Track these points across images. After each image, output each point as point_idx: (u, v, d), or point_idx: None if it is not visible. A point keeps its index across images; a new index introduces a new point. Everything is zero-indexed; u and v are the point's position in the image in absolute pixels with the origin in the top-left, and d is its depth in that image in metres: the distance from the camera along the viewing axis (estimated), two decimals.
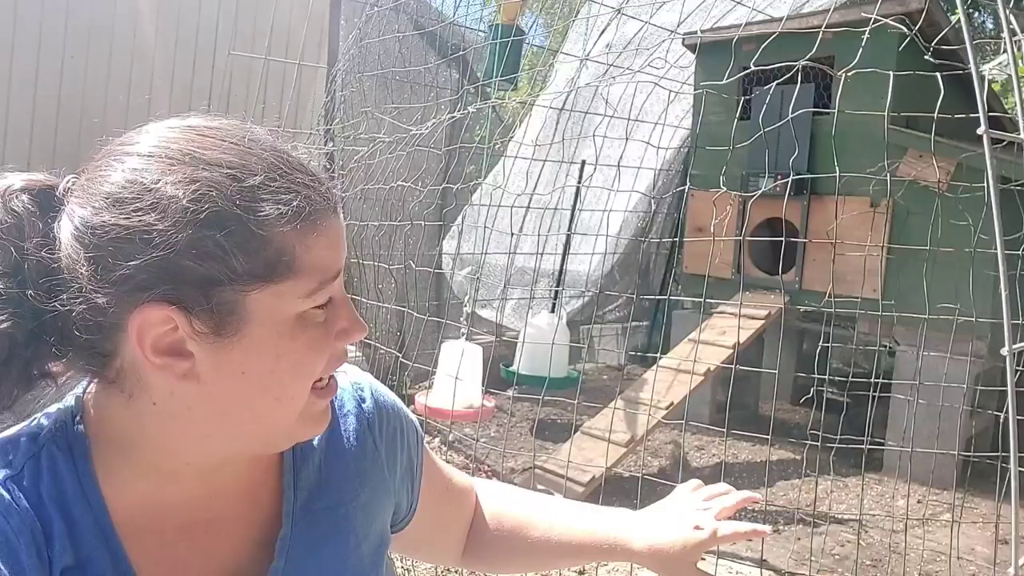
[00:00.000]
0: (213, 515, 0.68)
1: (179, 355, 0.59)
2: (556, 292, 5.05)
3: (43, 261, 0.59)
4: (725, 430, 2.93)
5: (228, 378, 0.61)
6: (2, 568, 0.57)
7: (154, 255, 0.57)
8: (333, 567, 0.73)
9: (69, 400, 0.67)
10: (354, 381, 0.81)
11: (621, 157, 3.78)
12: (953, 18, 4.13)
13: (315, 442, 0.75)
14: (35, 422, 0.65)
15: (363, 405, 0.80)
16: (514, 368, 4.39)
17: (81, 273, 0.58)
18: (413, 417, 0.87)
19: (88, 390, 0.66)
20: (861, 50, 2.52)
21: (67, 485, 0.62)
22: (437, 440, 4.24)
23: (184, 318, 0.58)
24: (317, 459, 0.75)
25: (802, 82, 3.79)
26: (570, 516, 0.96)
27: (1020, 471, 1.12)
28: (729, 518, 0.92)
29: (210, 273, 0.58)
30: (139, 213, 0.57)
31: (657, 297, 6.13)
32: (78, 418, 0.65)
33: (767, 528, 0.92)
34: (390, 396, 0.84)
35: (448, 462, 1.00)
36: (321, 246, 0.62)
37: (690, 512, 0.93)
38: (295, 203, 0.61)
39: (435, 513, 0.90)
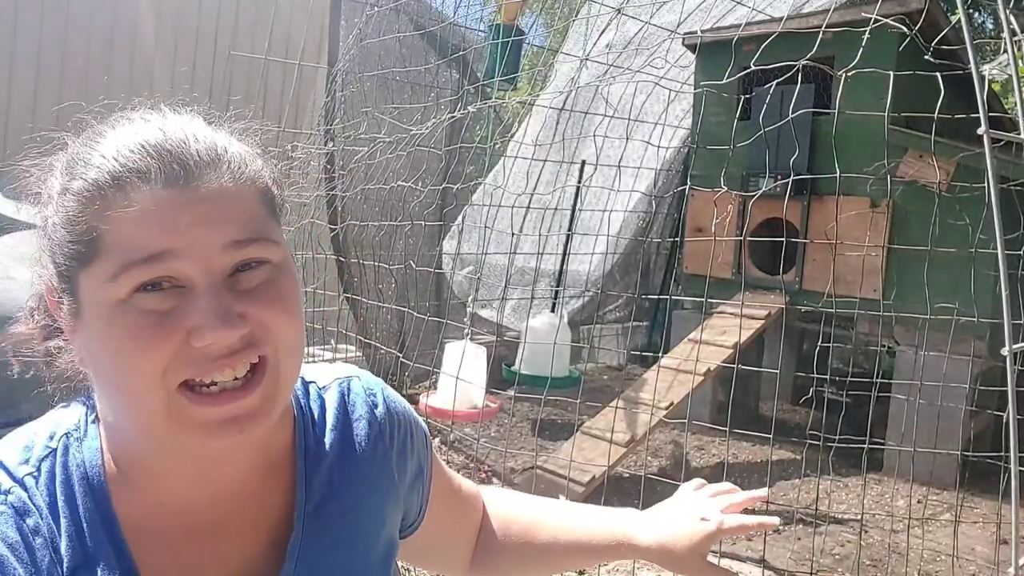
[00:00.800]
0: (221, 517, 0.67)
1: (73, 333, 0.62)
2: (556, 292, 5.05)
3: None
4: (726, 430, 2.94)
5: (88, 360, 0.61)
6: (19, 569, 0.57)
7: (41, 240, 0.62)
8: (343, 572, 0.72)
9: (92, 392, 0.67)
10: (367, 386, 0.80)
11: (621, 157, 3.79)
12: (953, 18, 4.13)
13: (327, 445, 0.74)
14: (53, 418, 0.66)
15: (375, 411, 0.78)
16: (515, 368, 4.39)
17: None
18: (423, 423, 0.87)
19: None
20: (861, 50, 2.52)
21: (77, 484, 0.62)
22: (438, 440, 4.24)
23: (58, 300, 0.61)
24: (328, 463, 0.73)
25: (802, 82, 3.78)
26: (576, 517, 0.96)
27: (1020, 471, 1.12)
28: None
29: (54, 255, 0.60)
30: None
31: (657, 297, 6.12)
32: (93, 416, 0.65)
33: (775, 520, 0.92)
34: (402, 402, 0.83)
35: (449, 462, 1.01)
36: (126, 222, 0.56)
37: (696, 506, 0.93)
38: (94, 176, 0.57)
39: (444, 520, 0.90)
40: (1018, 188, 3.03)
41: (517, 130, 5.87)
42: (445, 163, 4.50)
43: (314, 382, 0.77)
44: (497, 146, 5.15)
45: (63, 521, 0.60)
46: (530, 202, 4.15)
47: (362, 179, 4.11)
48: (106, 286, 0.56)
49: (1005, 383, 1.16)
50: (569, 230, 4.97)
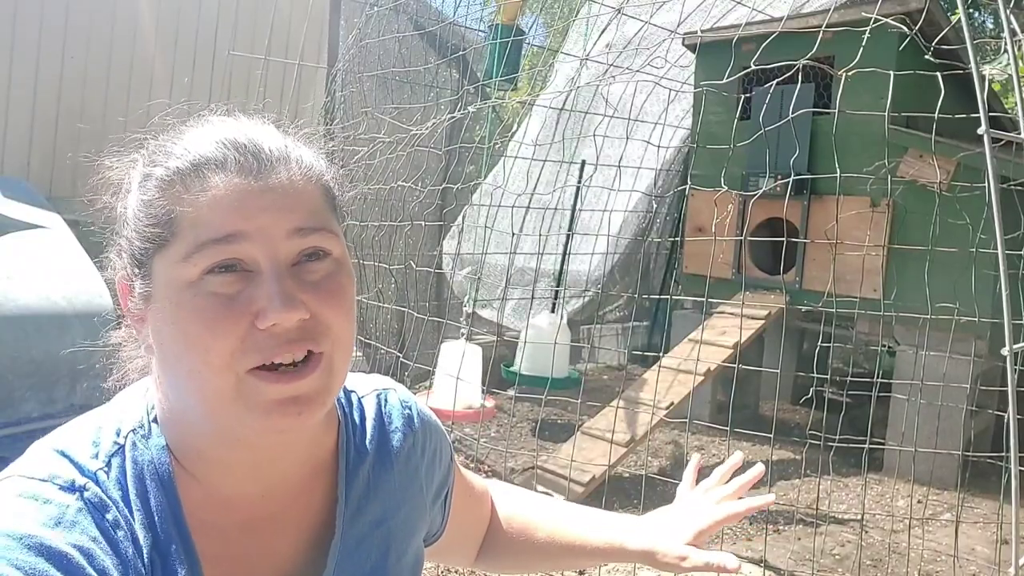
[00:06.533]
0: (270, 513, 0.69)
1: (141, 321, 0.64)
2: (556, 292, 5.05)
3: None
4: (726, 430, 2.94)
5: (157, 345, 0.63)
6: (107, 564, 0.58)
7: (115, 232, 0.66)
8: None
9: (150, 388, 0.68)
10: (402, 399, 0.82)
11: (621, 157, 3.79)
12: (953, 18, 4.13)
13: (366, 453, 0.76)
14: (113, 413, 0.67)
15: (411, 424, 0.81)
16: (515, 368, 4.39)
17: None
18: (447, 436, 0.89)
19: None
20: (861, 50, 2.53)
21: (148, 479, 0.63)
22: None
23: (130, 286, 0.64)
24: (366, 470, 0.75)
25: (802, 82, 3.78)
26: (574, 520, 0.98)
27: (1020, 471, 1.12)
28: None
29: (131, 241, 0.63)
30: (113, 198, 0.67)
31: (657, 297, 6.12)
32: (153, 415, 0.67)
33: (768, 498, 0.94)
34: (431, 416, 0.86)
35: None
36: (202, 205, 0.59)
37: (689, 505, 0.94)
38: (175, 164, 0.61)
39: (459, 522, 0.92)
40: (1018, 188, 3.03)
41: (517, 130, 5.87)
42: (445, 163, 4.50)
43: (354, 391, 0.79)
44: (497, 146, 5.15)
45: (136, 514, 0.61)
46: (530, 202, 4.14)
47: (362, 179, 4.12)
48: (179, 267, 0.59)
49: (1005, 383, 1.16)
50: (569, 230, 4.97)
